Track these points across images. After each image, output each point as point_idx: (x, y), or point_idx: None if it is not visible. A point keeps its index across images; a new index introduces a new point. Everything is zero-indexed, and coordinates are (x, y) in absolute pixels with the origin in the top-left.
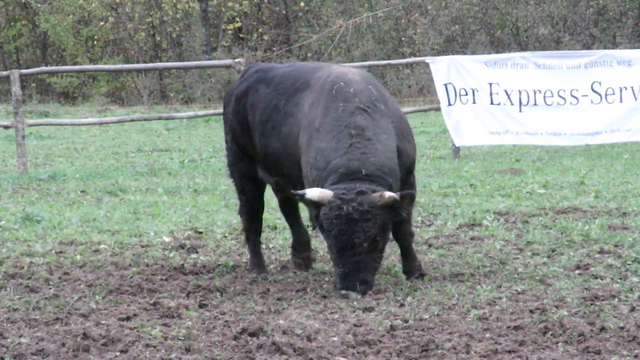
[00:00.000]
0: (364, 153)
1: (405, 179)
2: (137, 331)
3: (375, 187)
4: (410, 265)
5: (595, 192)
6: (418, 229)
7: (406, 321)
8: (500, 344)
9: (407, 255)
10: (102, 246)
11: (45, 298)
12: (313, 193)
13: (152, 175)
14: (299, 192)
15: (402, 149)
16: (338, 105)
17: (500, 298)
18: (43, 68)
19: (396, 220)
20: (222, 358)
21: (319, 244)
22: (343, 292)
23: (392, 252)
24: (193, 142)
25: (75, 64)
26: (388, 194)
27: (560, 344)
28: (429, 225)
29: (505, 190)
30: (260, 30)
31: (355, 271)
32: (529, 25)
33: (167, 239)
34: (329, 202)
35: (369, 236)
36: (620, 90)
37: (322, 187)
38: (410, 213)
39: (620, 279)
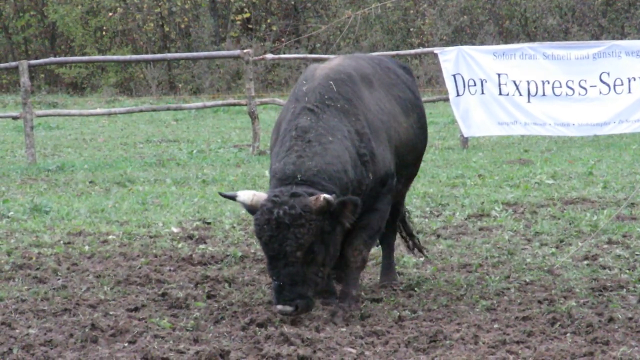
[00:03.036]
0: (300, 156)
1: (377, 191)
2: (146, 322)
3: (313, 191)
4: (345, 292)
5: (604, 182)
6: (426, 219)
7: (414, 312)
8: (508, 334)
9: (346, 280)
10: (110, 237)
11: (54, 289)
12: (245, 196)
13: (161, 166)
14: (229, 193)
15: (371, 151)
16: (291, 107)
17: (508, 289)
18: (52, 59)
19: (350, 237)
20: (231, 349)
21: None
22: (279, 307)
23: (398, 244)
24: (201, 133)
25: (83, 54)
26: (324, 196)
27: (568, 334)
28: (438, 216)
29: (514, 181)
30: (268, 20)
31: (291, 284)
32: (538, 15)
33: (175, 230)
34: (260, 206)
35: (302, 244)
36: (629, 81)
37: None
38: (371, 235)
39: (629, 269)
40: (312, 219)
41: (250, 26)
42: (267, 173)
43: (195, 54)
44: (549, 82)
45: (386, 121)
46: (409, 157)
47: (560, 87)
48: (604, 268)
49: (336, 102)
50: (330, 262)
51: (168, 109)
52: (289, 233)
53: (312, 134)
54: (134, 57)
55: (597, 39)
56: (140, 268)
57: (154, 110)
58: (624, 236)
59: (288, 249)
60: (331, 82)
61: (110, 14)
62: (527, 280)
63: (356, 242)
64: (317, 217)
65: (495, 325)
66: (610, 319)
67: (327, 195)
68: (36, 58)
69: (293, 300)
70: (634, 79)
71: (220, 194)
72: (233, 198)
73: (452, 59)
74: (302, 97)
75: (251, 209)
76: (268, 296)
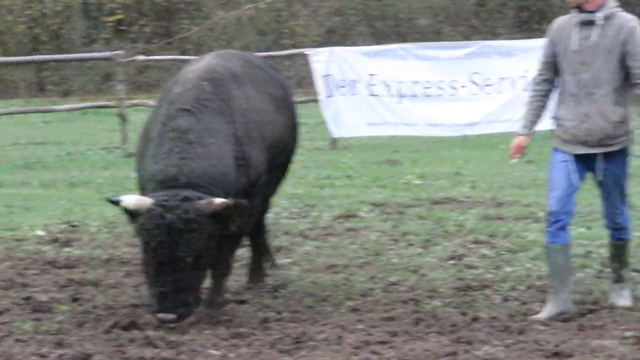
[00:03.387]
0: (182, 158)
1: (250, 194)
2: (8, 326)
3: (201, 195)
4: (211, 299)
5: (471, 182)
6: (294, 220)
7: (279, 313)
8: (372, 335)
9: (213, 287)
10: None
11: None
12: (129, 200)
13: (28, 169)
14: (114, 198)
15: (245, 156)
16: (163, 109)
17: (373, 289)
18: None
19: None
20: (94, 352)
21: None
22: (160, 315)
23: None
24: (70, 135)
25: None
26: (218, 200)
27: (432, 334)
28: (305, 217)
29: (382, 181)
30: (140, 22)
31: (176, 291)
32: (410, 16)
33: (41, 233)
34: (147, 210)
35: (194, 249)
36: (499, 81)
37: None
38: (237, 240)
39: (494, 269)
40: (205, 223)
41: (122, 28)
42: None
43: (65, 55)
44: (419, 83)
45: (259, 120)
46: (281, 157)
47: (431, 87)
48: (470, 268)
49: (212, 102)
50: (209, 267)
51: (37, 112)
52: (182, 238)
53: (193, 135)
54: (3, 59)
55: (469, 39)
56: (4, 272)
57: (23, 112)
58: (490, 236)
59: (180, 255)
60: (204, 83)
61: None
62: (393, 280)
63: (222, 248)
64: (208, 221)
65: (360, 326)
66: (475, 319)
67: (223, 200)
68: None
69: (176, 308)
70: (504, 80)
71: (107, 199)
72: (117, 203)
73: (323, 60)
74: (176, 98)
75: (135, 213)
76: (132, 299)
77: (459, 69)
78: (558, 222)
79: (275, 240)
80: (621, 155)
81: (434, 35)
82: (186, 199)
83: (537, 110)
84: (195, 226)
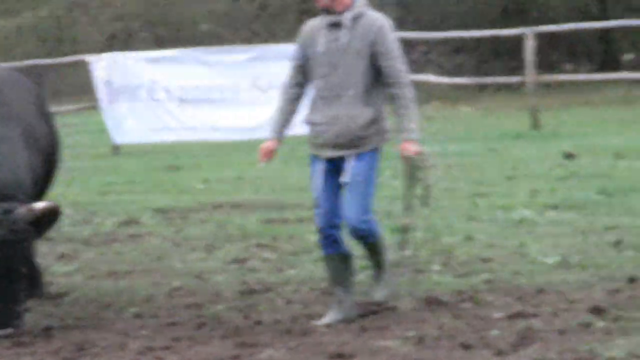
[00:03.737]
0: None
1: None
2: None
3: (14, 204)
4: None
5: (254, 186)
6: (76, 227)
7: (62, 320)
8: (155, 340)
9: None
10: None
11: None
12: None
13: None
14: None
15: (26, 160)
16: None
17: (156, 295)
18: None
19: None
20: None
21: None
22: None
23: (47, 253)
24: None
25: None
26: (38, 205)
27: (216, 338)
28: (88, 224)
29: (164, 187)
30: None
31: (11, 303)
32: (191, 21)
33: None
34: None
35: (26, 258)
36: (281, 85)
37: None
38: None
39: (277, 272)
40: (31, 230)
41: None
42: None
43: None
44: (200, 88)
45: (32, 124)
46: (49, 163)
47: (213, 92)
48: (252, 271)
49: None
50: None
51: None
52: (16, 250)
53: None
54: None
55: (250, 43)
56: None
57: None
58: (273, 239)
59: (15, 267)
60: None
61: None
62: (176, 285)
63: None
64: (32, 228)
65: (143, 332)
66: (258, 322)
67: (45, 203)
68: None
69: (12, 320)
70: None
71: None
72: None
73: (104, 67)
74: None
75: None
76: None
77: (240, 73)
78: (329, 237)
79: (57, 248)
80: (369, 157)
81: (215, 40)
82: (7, 211)
83: (287, 114)
84: (25, 235)
